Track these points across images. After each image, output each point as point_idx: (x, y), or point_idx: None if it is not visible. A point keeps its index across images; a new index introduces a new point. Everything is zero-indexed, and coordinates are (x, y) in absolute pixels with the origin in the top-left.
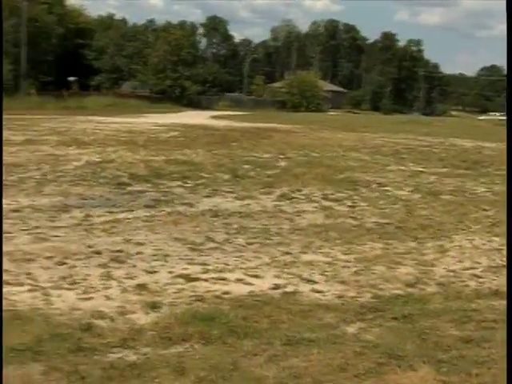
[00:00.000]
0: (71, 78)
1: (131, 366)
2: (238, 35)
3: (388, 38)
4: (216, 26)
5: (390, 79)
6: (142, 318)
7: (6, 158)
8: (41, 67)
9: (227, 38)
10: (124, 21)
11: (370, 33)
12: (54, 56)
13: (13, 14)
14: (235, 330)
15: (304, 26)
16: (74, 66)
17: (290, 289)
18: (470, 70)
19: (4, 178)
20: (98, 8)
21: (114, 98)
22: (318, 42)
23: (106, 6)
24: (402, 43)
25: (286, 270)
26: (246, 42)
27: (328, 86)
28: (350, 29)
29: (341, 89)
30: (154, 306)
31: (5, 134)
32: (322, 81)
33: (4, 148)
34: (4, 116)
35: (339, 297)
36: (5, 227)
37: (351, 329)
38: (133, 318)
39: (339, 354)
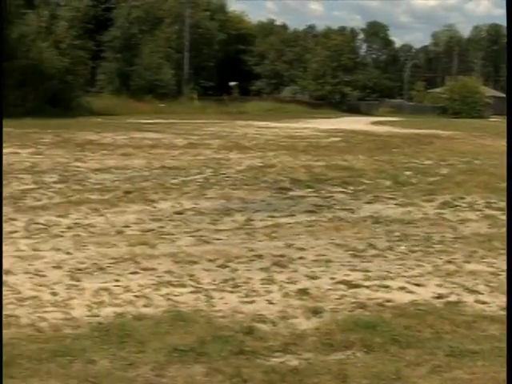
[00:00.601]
0: (232, 83)
1: (293, 371)
2: (398, 40)
3: None
4: (376, 31)
5: None
6: (304, 323)
7: (169, 162)
8: (202, 72)
9: (387, 43)
10: (284, 26)
11: None
12: (215, 61)
13: (176, 20)
14: (397, 339)
15: (465, 31)
16: (234, 71)
17: (453, 298)
18: None
19: (167, 180)
20: (259, 14)
21: (274, 103)
22: (480, 47)
23: (266, 11)
24: None
25: (448, 279)
26: (407, 48)
27: (490, 92)
28: None
29: (503, 95)
30: (316, 312)
31: (168, 137)
32: (483, 86)
33: (167, 151)
34: (167, 120)
35: (504, 308)
36: (168, 229)
37: None
38: (294, 322)
39: (505, 368)
